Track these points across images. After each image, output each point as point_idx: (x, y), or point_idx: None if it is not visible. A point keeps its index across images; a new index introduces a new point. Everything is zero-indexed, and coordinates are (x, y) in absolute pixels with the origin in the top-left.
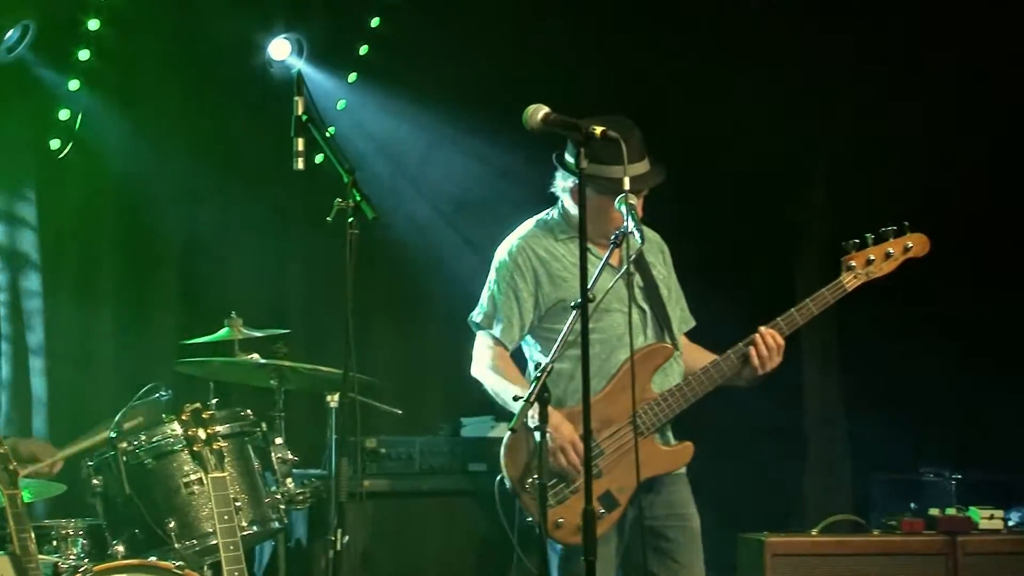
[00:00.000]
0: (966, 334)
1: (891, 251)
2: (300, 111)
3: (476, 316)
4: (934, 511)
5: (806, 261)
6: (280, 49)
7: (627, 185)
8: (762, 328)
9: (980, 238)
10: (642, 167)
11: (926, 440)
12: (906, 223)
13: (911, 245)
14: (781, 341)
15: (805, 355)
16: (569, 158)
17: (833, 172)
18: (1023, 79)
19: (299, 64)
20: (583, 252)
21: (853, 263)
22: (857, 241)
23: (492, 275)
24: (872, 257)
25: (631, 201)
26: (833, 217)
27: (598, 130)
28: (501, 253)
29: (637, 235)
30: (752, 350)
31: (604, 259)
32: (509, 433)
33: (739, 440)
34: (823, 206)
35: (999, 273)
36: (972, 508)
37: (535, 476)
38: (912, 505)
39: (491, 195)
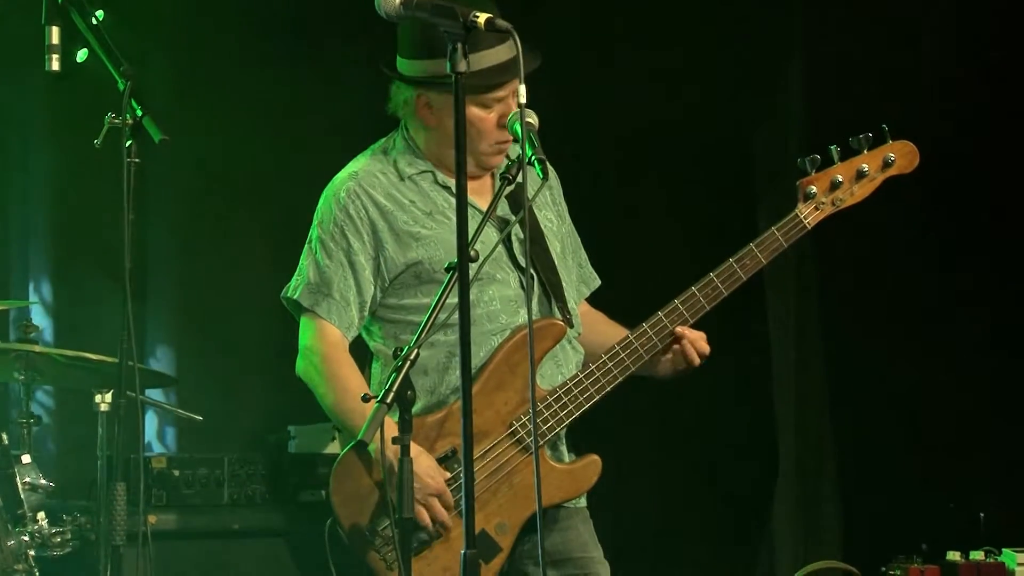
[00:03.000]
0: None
1: (865, 168)
2: None
3: (295, 291)
4: (953, 555)
5: (776, 190)
6: None
7: (523, 96)
8: (684, 331)
9: None
10: (505, 51)
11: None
12: (885, 127)
13: (893, 158)
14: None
15: (775, 336)
16: (411, 61)
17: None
18: None
19: None
20: (461, 191)
21: (813, 188)
22: (818, 157)
23: (314, 232)
24: (839, 178)
25: (529, 119)
26: (813, 129)
27: (482, 18)
28: (326, 201)
29: (538, 168)
30: (684, 345)
31: (487, 210)
32: (341, 456)
33: (682, 455)
34: (800, 114)
35: None
36: (1007, 550)
37: (381, 517)
38: (923, 546)
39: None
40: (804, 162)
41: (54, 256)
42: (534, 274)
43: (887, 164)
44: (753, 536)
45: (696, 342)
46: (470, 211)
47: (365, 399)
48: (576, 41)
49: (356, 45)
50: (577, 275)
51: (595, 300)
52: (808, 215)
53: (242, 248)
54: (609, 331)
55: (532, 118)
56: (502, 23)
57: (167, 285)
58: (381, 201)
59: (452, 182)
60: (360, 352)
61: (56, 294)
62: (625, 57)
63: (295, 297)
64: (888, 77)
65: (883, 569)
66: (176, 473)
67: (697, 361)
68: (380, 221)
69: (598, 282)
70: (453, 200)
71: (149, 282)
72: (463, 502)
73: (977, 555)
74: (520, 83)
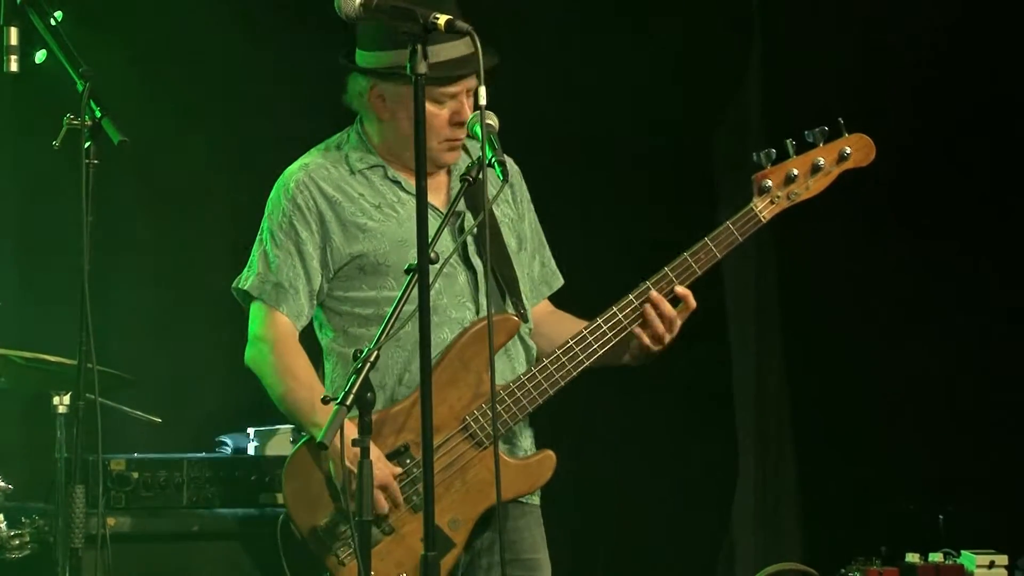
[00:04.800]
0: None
1: (821, 161)
2: None
3: (245, 282)
4: (912, 557)
5: (736, 187)
6: None
7: (483, 98)
8: (653, 292)
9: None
10: (462, 46)
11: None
12: (840, 120)
13: (849, 151)
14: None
15: (735, 338)
16: (368, 53)
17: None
18: None
19: None
20: (421, 192)
21: (768, 182)
22: (773, 151)
23: (264, 223)
24: (794, 172)
25: (489, 121)
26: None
27: (442, 20)
28: (276, 192)
29: (498, 169)
30: (638, 329)
31: (447, 213)
32: (293, 453)
33: (641, 457)
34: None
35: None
36: (966, 552)
37: (333, 515)
38: (882, 548)
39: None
40: (760, 156)
41: (14, 257)
42: (482, 267)
43: (843, 158)
44: (712, 537)
45: (660, 305)
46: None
47: (325, 401)
48: (537, 41)
49: (316, 41)
50: (539, 274)
51: (558, 298)
52: (763, 209)
53: (201, 249)
54: (571, 327)
55: (492, 120)
56: (462, 25)
57: (127, 286)
58: (330, 192)
59: (402, 177)
60: (315, 350)
61: (16, 295)
62: (585, 57)
63: (245, 287)
64: (847, 75)
65: (842, 571)
66: (135, 475)
67: (661, 329)
68: (328, 212)
69: (561, 281)
70: (403, 194)
71: (109, 283)
72: (418, 501)
73: (936, 557)
74: (480, 84)
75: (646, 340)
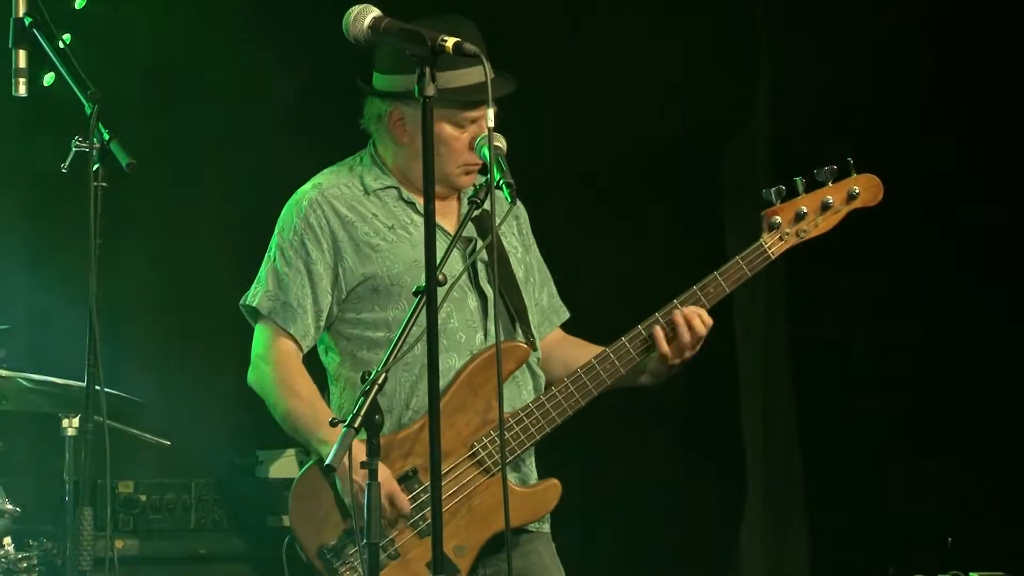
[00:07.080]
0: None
1: (830, 200)
2: (21, 11)
3: (252, 299)
4: None
5: (741, 218)
6: None
7: (491, 120)
8: (685, 309)
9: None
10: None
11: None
12: (850, 160)
13: (858, 191)
14: (708, 320)
15: (742, 360)
16: (387, 76)
17: (780, 100)
18: None
19: None
20: (429, 214)
21: (778, 219)
22: (783, 188)
23: (275, 241)
24: (804, 209)
25: (497, 143)
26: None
27: (450, 42)
28: (288, 211)
29: (505, 192)
30: (676, 328)
31: (456, 235)
32: (301, 474)
33: (648, 479)
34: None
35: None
36: (974, 574)
37: (340, 538)
38: (890, 570)
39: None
40: (769, 192)
41: (22, 279)
42: (492, 294)
43: (851, 197)
44: (719, 560)
45: (691, 318)
46: (436, 233)
47: (333, 424)
48: (541, 63)
49: (324, 61)
50: (548, 304)
51: (565, 327)
52: (772, 245)
53: (211, 271)
54: (582, 353)
55: (500, 142)
56: (470, 47)
57: (135, 308)
58: (343, 212)
59: (417, 199)
60: (318, 376)
61: (24, 318)
62: (593, 79)
63: (254, 304)
64: (853, 96)
65: None
66: (143, 498)
67: (688, 338)
68: (340, 231)
69: (567, 314)
70: (416, 216)
71: (117, 306)
72: (425, 526)
73: None
74: (489, 107)
75: (665, 349)
